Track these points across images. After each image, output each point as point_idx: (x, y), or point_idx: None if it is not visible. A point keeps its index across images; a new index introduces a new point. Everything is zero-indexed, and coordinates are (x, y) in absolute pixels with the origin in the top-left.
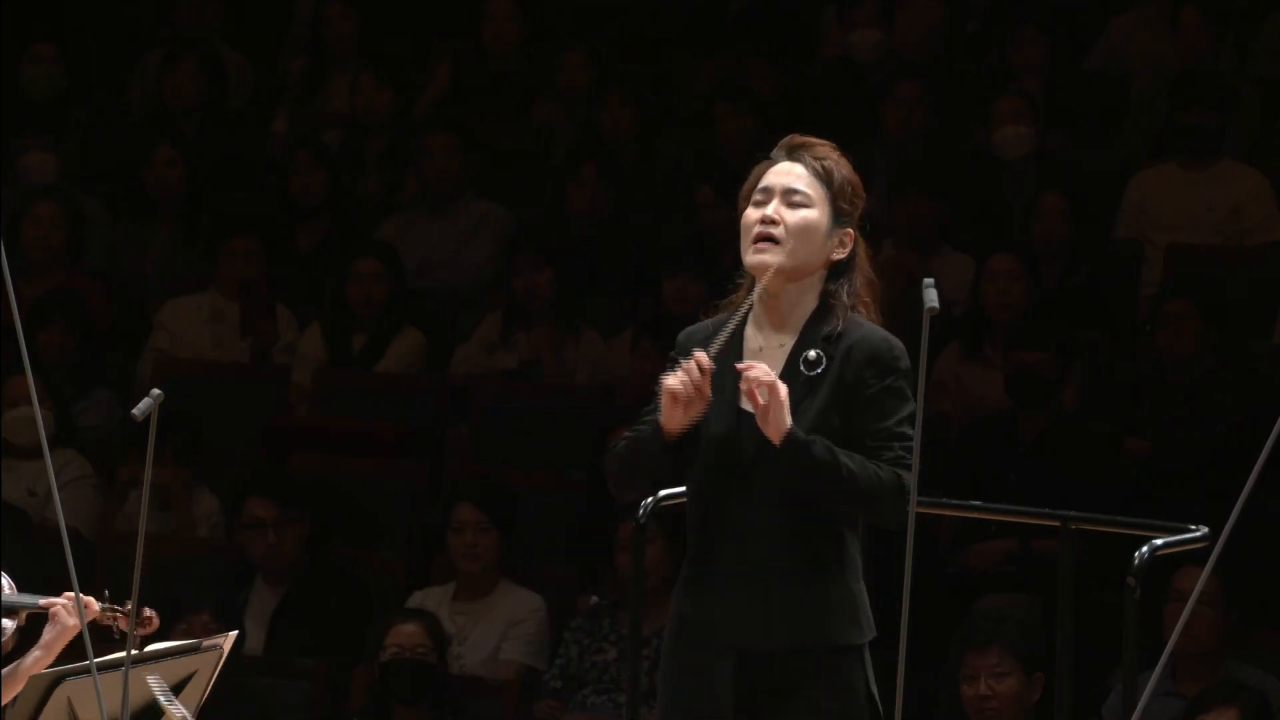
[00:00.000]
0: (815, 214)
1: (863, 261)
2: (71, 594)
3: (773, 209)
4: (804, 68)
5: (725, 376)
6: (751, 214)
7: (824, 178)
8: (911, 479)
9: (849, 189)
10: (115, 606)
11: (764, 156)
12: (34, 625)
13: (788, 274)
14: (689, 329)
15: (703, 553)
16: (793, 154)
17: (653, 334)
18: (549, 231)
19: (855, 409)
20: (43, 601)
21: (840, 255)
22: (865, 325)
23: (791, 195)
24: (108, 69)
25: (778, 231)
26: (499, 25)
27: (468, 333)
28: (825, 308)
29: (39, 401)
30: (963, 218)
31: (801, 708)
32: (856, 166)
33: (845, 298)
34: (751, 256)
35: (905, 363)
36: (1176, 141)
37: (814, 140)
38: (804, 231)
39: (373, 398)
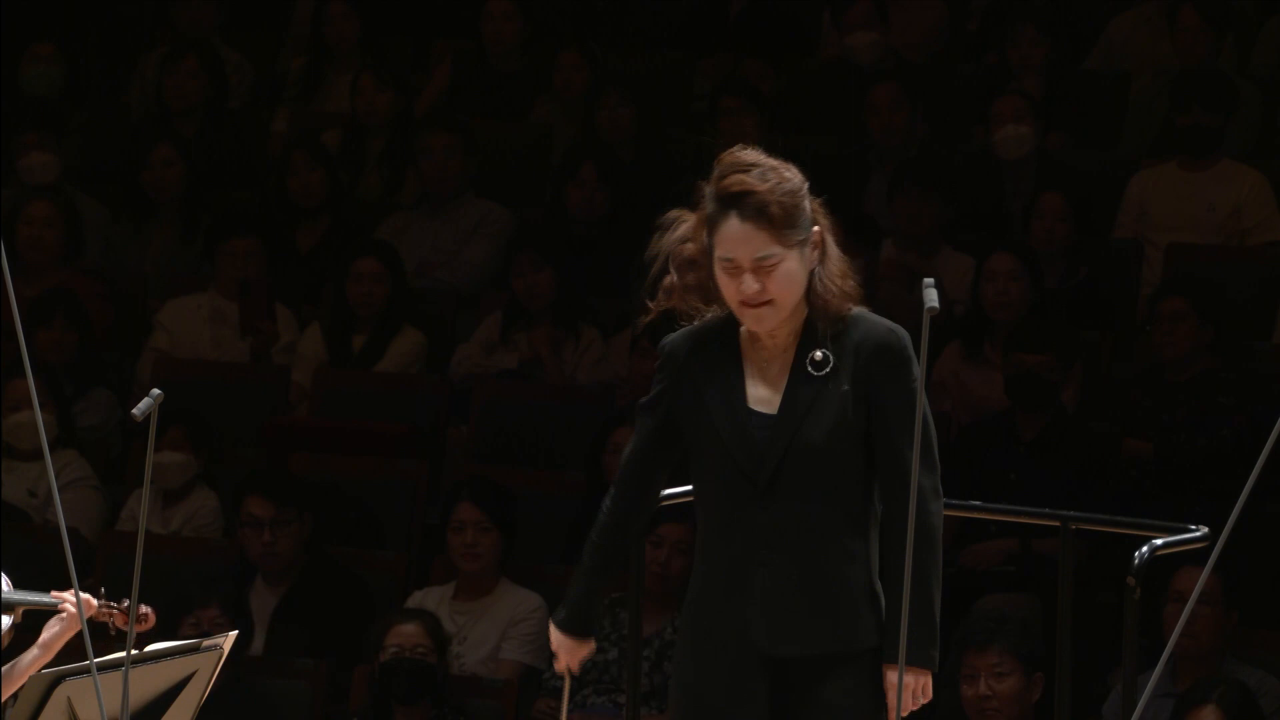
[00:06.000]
0: (788, 264)
1: (828, 244)
2: (71, 591)
3: (751, 285)
4: (803, 68)
5: (730, 377)
6: (729, 284)
7: (773, 224)
8: (912, 477)
9: (795, 211)
10: (111, 603)
11: (700, 189)
12: (29, 623)
13: (784, 320)
14: (671, 339)
15: (728, 563)
16: (735, 206)
17: (653, 334)
18: (549, 231)
19: (883, 414)
20: (54, 594)
21: (817, 260)
22: (866, 319)
23: (761, 263)
24: (108, 69)
25: (766, 297)
26: (499, 25)
27: (468, 333)
28: (817, 308)
29: (40, 403)
30: (963, 218)
31: (825, 708)
32: (857, 166)
33: (828, 295)
34: (750, 322)
35: (911, 350)
36: (1176, 141)
37: (746, 183)
38: (789, 286)
39: (373, 398)
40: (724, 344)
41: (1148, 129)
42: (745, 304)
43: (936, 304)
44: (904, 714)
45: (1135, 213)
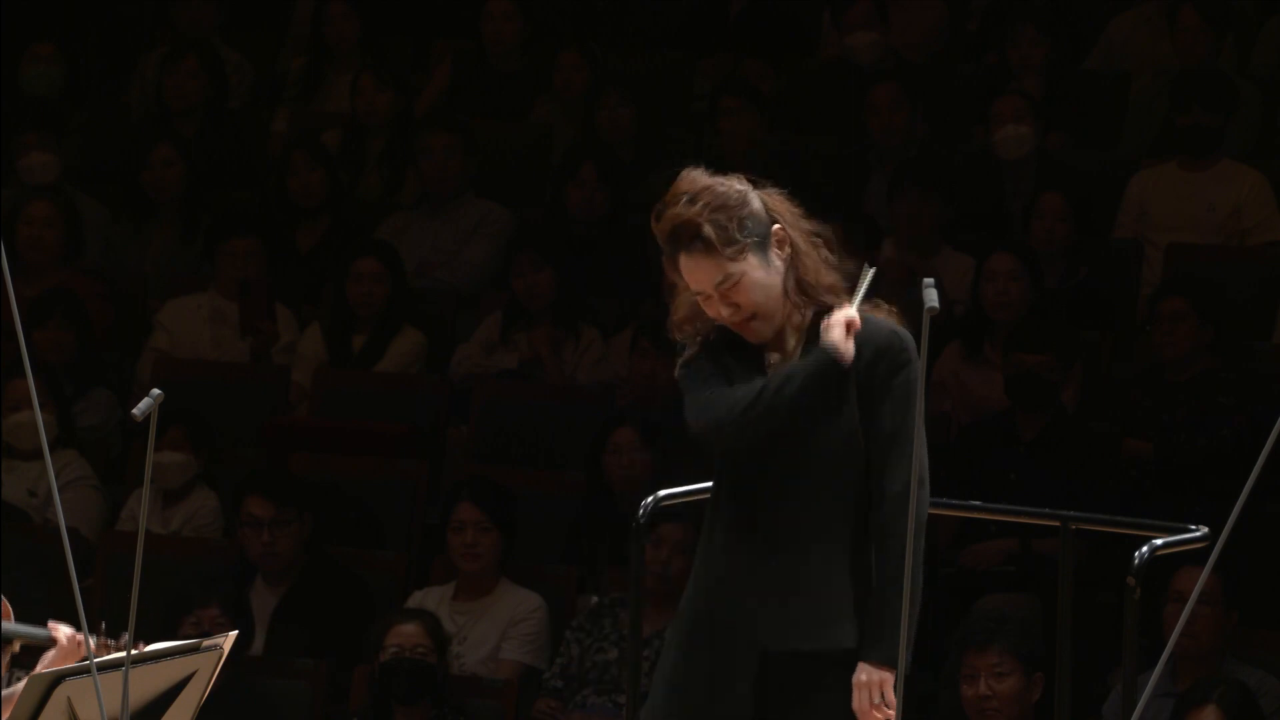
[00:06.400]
0: (750, 276)
1: (797, 234)
2: (67, 627)
3: (725, 310)
4: (803, 68)
5: (756, 375)
6: (710, 312)
7: (714, 248)
8: (912, 478)
9: (735, 225)
10: (109, 640)
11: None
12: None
13: (776, 322)
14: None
15: (729, 554)
16: (677, 246)
17: (653, 334)
18: (549, 231)
19: (873, 411)
20: (51, 624)
21: (784, 260)
22: (870, 321)
23: (720, 287)
24: (108, 69)
25: (744, 316)
26: (499, 25)
27: (468, 333)
28: (819, 310)
29: (40, 403)
30: (963, 218)
31: (818, 709)
32: (856, 166)
33: (814, 290)
34: (748, 337)
35: (912, 352)
36: (1176, 141)
37: (673, 213)
38: (760, 295)
39: (373, 398)
40: (740, 343)
41: (1148, 129)
42: (736, 327)
43: (936, 304)
44: (870, 715)
45: (1135, 213)
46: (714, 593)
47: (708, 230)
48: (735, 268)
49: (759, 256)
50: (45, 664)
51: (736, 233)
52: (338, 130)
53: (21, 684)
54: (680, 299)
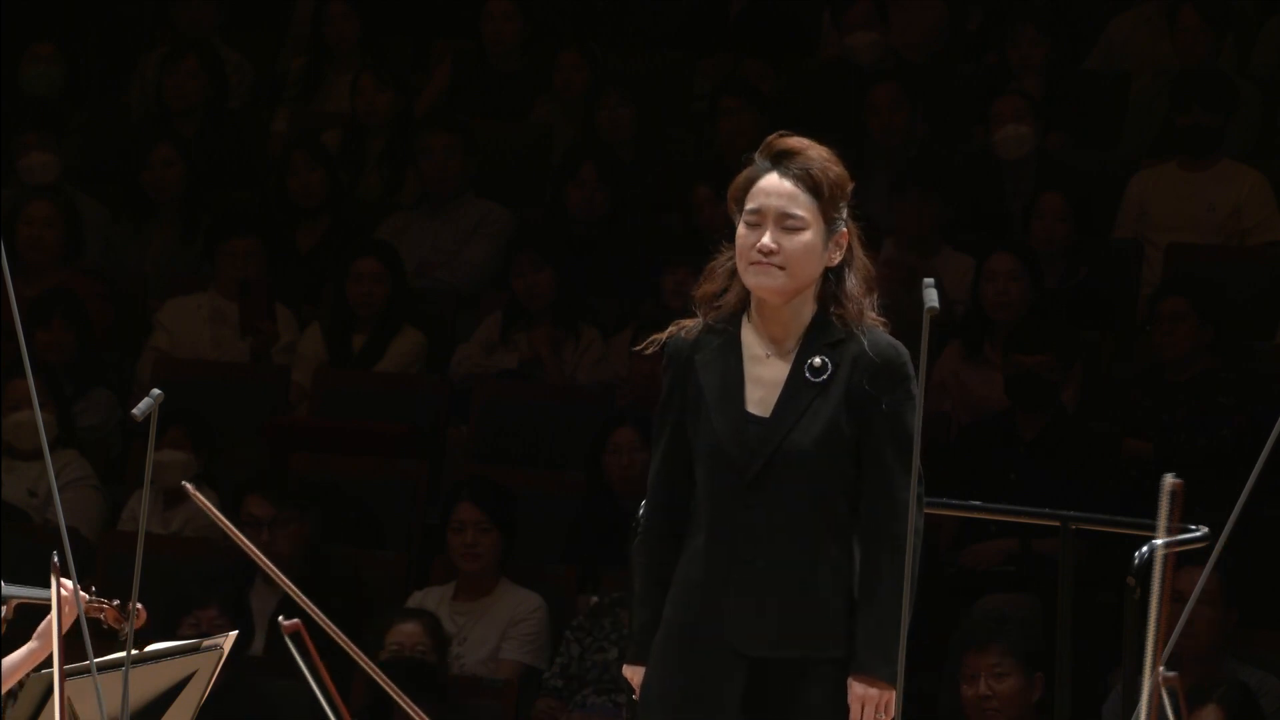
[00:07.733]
0: (810, 235)
1: (858, 257)
2: (68, 581)
3: (770, 238)
4: (803, 68)
5: (728, 378)
6: (747, 237)
7: (812, 189)
8: (912, 478)
9: (837, 192)
10: (101, 599)
11: (749, 159)
12: (25, 619)
13: (788, 293)
14: (676, 338)
15: (707, 558)
16: (778, 165)
17: (652, 333)
18: (549, 231)
19: (872, 425)
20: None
21: (836, 259)
22: (869, 331)
23: (785, 220)
24: (108, 69)
25: (777, 260)
26: (499, 25)
27: (468, 333)
28: (825, 312)
29: (40, 403)
30: (963, 218)
31: (799, 713)
32: (856, 167)
33: (847, 305)
34: (753, 279)
35: (911, 367)
36: (1176, 141)
37: (796, 145)
38: (803, 256)
39: (373, 398)
40: (727, 343)
41: (1148, 129)
42: (756, 259)
43: (936, 304)
44: None
45: (1135, 213)
46: (693, 596)
47: (818, 177)
48: (809, 218)
49: (825, 233)
50: (40, 630)
51: (828, 198)
52: (338, 130)
53: (25, 649)
54: (713, 272)
